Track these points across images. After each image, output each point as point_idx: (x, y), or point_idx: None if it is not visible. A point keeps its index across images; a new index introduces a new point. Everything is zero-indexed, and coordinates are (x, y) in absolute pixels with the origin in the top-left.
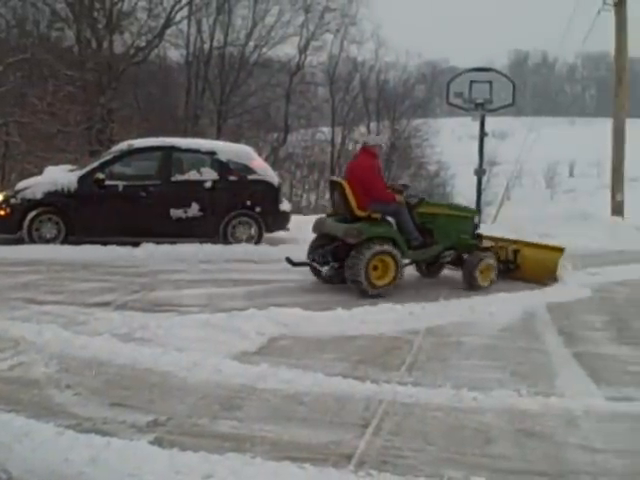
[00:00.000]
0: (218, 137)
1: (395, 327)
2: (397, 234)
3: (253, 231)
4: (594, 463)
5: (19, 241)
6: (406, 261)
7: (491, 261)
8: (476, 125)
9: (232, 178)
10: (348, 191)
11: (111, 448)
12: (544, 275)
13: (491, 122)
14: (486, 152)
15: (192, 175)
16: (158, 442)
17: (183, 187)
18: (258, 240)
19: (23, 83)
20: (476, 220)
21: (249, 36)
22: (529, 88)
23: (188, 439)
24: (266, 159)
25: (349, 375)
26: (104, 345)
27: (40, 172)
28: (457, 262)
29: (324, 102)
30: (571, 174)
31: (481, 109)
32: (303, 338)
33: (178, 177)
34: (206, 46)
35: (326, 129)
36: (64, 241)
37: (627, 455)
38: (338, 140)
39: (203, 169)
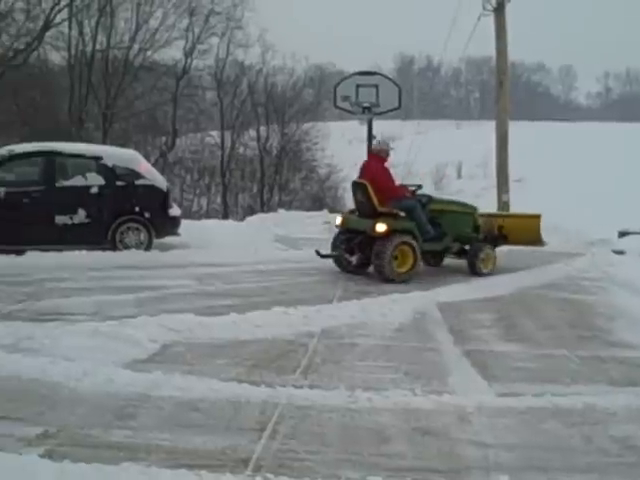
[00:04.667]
0: (104, 141)
1: (289, 330)
2: (415, 227)
3: (142, 237)
4: (486, 458)
5: None
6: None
7: (490, 251)
8: (364, 129)
9: (119, 183)
10: (370, 190)
11: None
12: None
13: (379, 125)
14: None
15: (77, 180)
16: (49, 455)
17: (68, 193)
18: (148, 246)
19: None
20: (476, 215)
21: (133, 39)
22: (415, 92)
23: (80, 450)
24: (154, 163)
25: (244, 380)
26: None
27: None
28: (460, 253)
29: (212, 106)
30: (459, 176)
31: (368, 113)
32: (196, 344)
33: (63, 183)
34: (88, 49)
35: (215, 133)
36: None
37: (517, 449)
38: (228, 144)
39: (89, 174)
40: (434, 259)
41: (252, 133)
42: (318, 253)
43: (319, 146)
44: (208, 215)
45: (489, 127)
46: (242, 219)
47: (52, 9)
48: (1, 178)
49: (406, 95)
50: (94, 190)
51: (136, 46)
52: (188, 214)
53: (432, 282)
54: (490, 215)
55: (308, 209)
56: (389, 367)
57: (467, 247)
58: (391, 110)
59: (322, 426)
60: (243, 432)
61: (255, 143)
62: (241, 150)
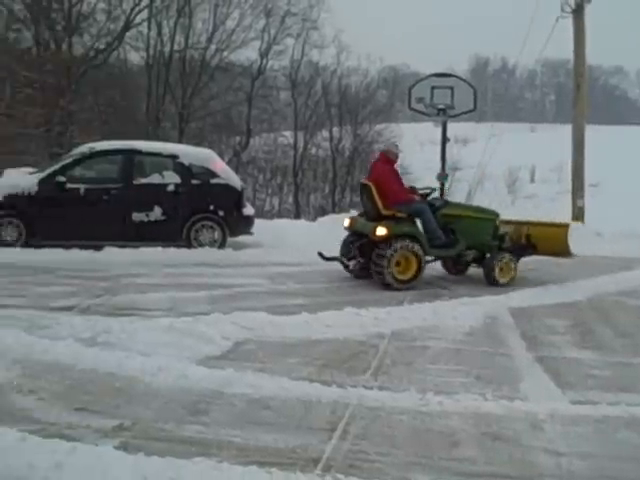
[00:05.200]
0: (180, 140)
1: (361, 331)
2: (420, 232)
3: (216, 235)
4: (559, 466)
5: None
6: (429, 258)
7: (509, 260)
8: (438, 130)
9: (194, 182)
10: (375, 192)
11: (76, 453)
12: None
13: (453, 127)
14: (448, 157)
15: (154, 178)
16: (124, 447)
17: (145, 190)
18: (222, 244)
19: None
20: (497, 222)
21: (210, 39)
22: (490, 94)
23: (154, 444)
24: (228, 163)
25: (315, 379)
26: (67, 349)
27: None
28: (479, 261)
29: (286, 106)
30: (532, 180)
31: (443, 115)
32: (268, 342)
33: (140, 180)
34: (167, 49)
35: (288, 133)
36: (25, 245)
37: (591, 458)
38: (300, 144)
39: (165, 172)
40: (455, 267)
41: (325, 134)
42: (321, 255)
43: None
44: (280, 215)
45: (564, 131)
46: (314, 219)
47: (132, 10)
48: (81, 175)
49: (480, 97)
50: (170, 188)
51: (213, 46)
52: (260, 213)
53: (504, 286)
54: (517, 222)
55: None
56: (460, 371)
57: (488, 255)
58: (466, 112)
59: (393, 428)
60: (314, 431)
61: (328, 144)
62: (313, 150)
